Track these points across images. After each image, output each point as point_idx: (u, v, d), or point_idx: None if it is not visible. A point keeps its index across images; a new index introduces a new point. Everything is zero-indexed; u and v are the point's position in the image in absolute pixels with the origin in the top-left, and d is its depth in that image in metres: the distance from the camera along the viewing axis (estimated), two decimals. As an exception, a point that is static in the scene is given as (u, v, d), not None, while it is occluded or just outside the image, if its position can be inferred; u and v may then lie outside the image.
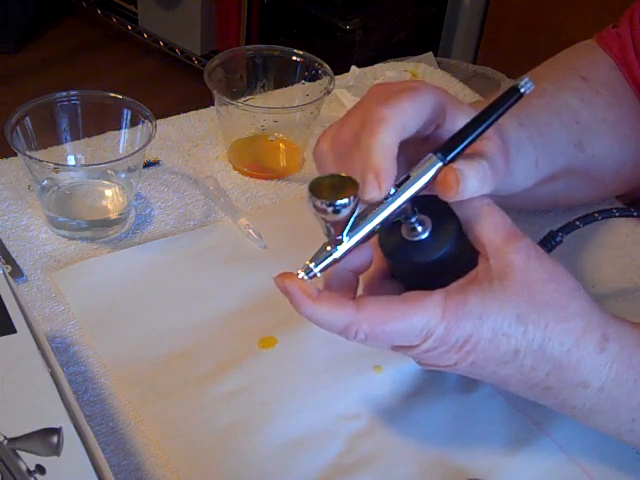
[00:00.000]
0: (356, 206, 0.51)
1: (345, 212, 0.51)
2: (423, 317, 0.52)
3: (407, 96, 0.56)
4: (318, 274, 0.54)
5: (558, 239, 0.63)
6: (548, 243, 0.63)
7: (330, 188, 0.51)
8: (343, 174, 0.52)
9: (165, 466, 0.59)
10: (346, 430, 0.62)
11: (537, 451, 0.62)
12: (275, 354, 0.67)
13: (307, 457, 0.60)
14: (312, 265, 0.53)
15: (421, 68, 0.95)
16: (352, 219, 0.52)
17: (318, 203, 0.51)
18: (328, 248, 0.53)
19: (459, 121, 0.57)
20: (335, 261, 0.54)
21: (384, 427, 0.63)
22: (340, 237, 0.53)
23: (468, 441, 0.62)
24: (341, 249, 0.53)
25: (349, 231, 0.53)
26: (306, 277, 0.53)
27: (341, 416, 0.63)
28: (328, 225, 0.52)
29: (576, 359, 0.54)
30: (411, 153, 0.57)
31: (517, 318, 0.53)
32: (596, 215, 0.64)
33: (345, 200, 0.50)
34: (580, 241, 0.78)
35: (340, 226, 0.53)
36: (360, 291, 0.58)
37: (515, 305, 0.53)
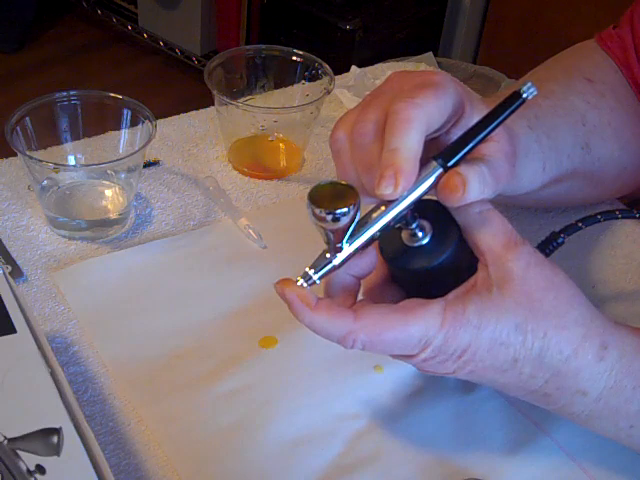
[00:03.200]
0: (356, 214, 0.51)
1: (345, 220, 0.51)
2: (421, 327, 0.52)
3: (432, 93, 0.54)
4: (317, 281, 0.54)
5: (560, 240, 0.62)
6: (550, 244, 0.62)
7: (330, 196, 0.51)
8: (343, 182, 0.52)
9: (165, 466, 0.59)
10: (346, 430, 0.62)
11: (537, 451, 0.62)
12: (275, 354, 0.67)
13: (307, 457, 0.60)
14: (311, 272, 0.53)
15: (421, 68, 0.95)
16: (352, 226, 0.52)
17: (317, 212, 0.50)
18: (328, 255, 0.53)
19: (475, 120, 0.55)
20: (334, 268, 0.53)
21: (384, 427, 0.63)
22: (340, 245, 0.53)
23: (468, 441, 0.62)
24: (340, 256, 0.53)
25: (349, 238, 0.53)
26: (305, 284, 0.53)
27: (341, 416, 0.63)
28: (328, 233, 0.52)
29: (575, 367, 0.54)
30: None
31: (516, 327, 0.53)
32: (599, 217, 0.64)
33: (345, 209, 0.50)
34: (580, 242, 0.78)
35: (340, 234, 0.52)
36: (362, 295, 0.58)
37: (514, 314, 0.52)
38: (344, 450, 0.61)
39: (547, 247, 0.62)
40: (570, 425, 0.60)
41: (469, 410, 0.64)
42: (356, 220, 0.52)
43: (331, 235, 0.52)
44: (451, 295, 0.54)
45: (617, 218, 0.64)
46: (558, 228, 0.63)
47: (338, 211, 0.50)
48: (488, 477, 0.60)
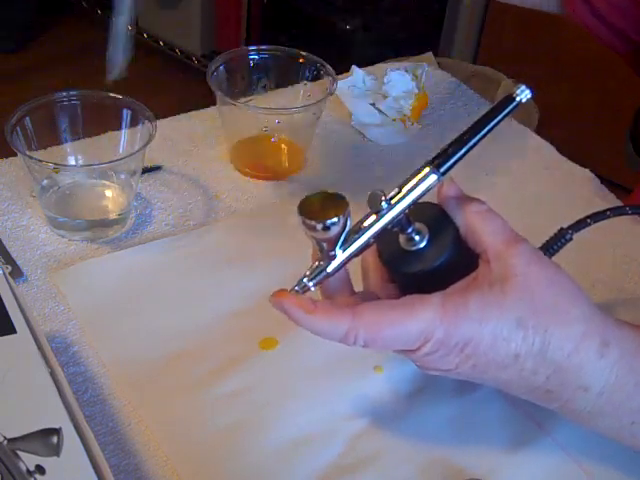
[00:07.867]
0: (346, 222, 0.52)
1: (335, 230, 0.51)
2: (420, 322, 0.52)
3: None
4: (312, 288, 0.54)
5: (568, 237, 0.62)
6: (558, 241, 0.62)
7: (319, 206, 0.52)
8: (332, 191, 0.53)
9: (165, 466, 0.59)
10: (346, 430, 0.62)
11: (538, 451, 0.62)
12: (276, 355, 0.67)
13: (307, 457, 0.60)
14: (306, 280, 0.54)
15: (421, 68, 0.95)
16: (344, 234, 0.53)
17: (307, 222, 0.51)
18: (321, 263, 0.54)
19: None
20: (328, 275, 0.54)
21: (384, 427, 0.63)
22: (333, 252, 0.53)
23: (468, 441, 0.62)
24: (333, 264, 0.54)
25: (341, 245, 0.53)
26: (301, 292, 0.54)
27: (341, 416, 0.63)
28: (320, 242, 0.53)
29: (577, 363, 0.54)
30: None
31: (517, 323, 0.53)
32: (608, 213, 0.64)
33: (335, 219, 0.51)
34: (580, 240, 0.78)
35: (332, 242, 0.53)
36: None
37: (515, 310, 0.53)
38: (344, 450, 0.61)
39: (555, 243, 0.62)
40: (571, 425, 0.60)
41: (469, 410, 0.64)
42: (347, 228, 0.52)
43: (323, 244, 0.53)
44: (450, 289, 0.54)
45: (627, 214, 0.64)
46: (566, 224, 0.63)
47: (328, 221, 0.51)
48: (488, 477, 0.60)
